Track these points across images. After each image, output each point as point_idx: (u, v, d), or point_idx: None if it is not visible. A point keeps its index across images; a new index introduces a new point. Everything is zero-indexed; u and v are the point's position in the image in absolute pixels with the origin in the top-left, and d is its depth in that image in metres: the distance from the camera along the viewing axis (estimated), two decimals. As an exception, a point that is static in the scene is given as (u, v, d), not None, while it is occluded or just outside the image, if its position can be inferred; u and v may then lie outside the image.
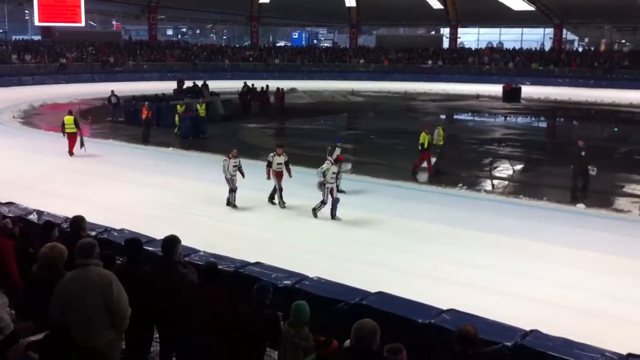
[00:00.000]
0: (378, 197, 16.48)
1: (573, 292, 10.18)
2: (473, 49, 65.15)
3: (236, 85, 39.62)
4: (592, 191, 16.67)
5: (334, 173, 14.23)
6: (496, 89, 45.90)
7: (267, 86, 38.91)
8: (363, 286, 7.63)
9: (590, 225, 14.03)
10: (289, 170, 15.29)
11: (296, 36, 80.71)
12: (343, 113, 39.78)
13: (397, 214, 14.66)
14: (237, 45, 68.61)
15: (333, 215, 14.10)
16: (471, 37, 68.60)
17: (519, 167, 22.53)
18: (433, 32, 74.55)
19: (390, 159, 22.66)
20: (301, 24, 76.65)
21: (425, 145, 19.57)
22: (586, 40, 69.68)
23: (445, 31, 68.12)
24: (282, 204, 15.07)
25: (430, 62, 60.03)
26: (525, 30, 66.00)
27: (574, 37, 69.57)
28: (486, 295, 9.79)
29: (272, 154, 15.24)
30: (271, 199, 15.29)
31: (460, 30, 65.77)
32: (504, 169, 21.78)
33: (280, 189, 15.11)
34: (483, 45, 66.83)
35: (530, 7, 58.12)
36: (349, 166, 21.38)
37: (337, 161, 14.69)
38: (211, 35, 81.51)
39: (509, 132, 31.94)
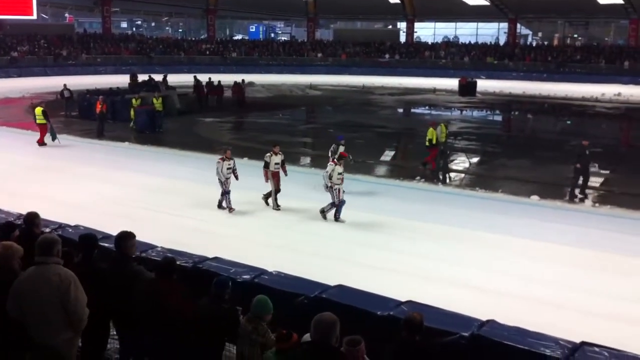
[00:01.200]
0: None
1: (528, 283, 10.38)
2: (429, 43, 65.74)
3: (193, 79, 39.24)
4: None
5: (339, 174, 13.56)
6: (452, 83, 46.42)
7: (243, 80, 38.77)
8: (324, 280, 7.65)
9: (544, 217, 14.29)
10: (284, 170, 14.63)
11: (253, 29, 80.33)
12: (301, 107, 39.80)
13: (355, 207, 14.66)
14: (194, 39, 67.90)
15: (337, 218, 13.62)
16: (427, 31, 69.21)
17: (475, 160, 22.83)
18: (390, 27, 75.00)
19: (349, 153, 22.69)
20: (258, 17, 76.28)
21: (434, 141, 19.55)
22: (540, 34, 71.01)
23: (402, 25, 68.60)
24: (277, 207, 14.43)
25: (387, 56, 60.39)
26: (481, 24, 66.91)
27: (528, 32, 70.80)
28: (444, 287, 9.92)
29: (268, 153, 14.43)
30: (267, 199, 14.65)
31: (416, 24, 66.33)
32: (461, 162, 22.04)
33: (277, 191, 14.45)
34: (439, 40, 67.48)
35: (485, 2, 58.93)
36: (307, 160, 21.40)
37: (341, 158, 14.07)
38: (167, 28, 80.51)
39: (465, 125, 32.33)
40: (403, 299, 7.07)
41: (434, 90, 47.42)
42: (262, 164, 14.61)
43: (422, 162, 19.95)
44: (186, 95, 35.12)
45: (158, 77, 36.73)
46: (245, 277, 7.54)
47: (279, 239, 12.62)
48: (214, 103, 36.40)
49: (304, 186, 16.15)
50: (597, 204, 15.91)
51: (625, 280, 10.59)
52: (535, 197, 16.11)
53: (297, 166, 19.69)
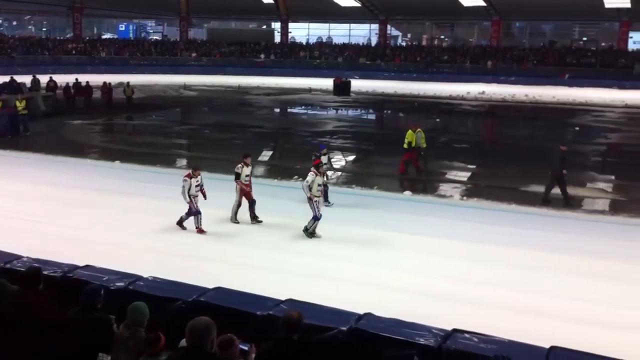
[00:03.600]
0: (213, 192, 16.20)
1: (402, 274, 10.71)
2: (304, 43, 66.43)
3: (59, 80, 37.41)
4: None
5: (319, 185, 12.87)
6: (327, 83, 47.18)
7: (128, 83, 37.52)
8: (201, 283, 7.53)
9: (416, 211, 14.80)
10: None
11: (123, 28, 77.66)
12: (176, 108, 39.02)
13: (228, 207, 14.46)
14: (59, 38, 64.73)
15: (307, 229, 12.78)
16: (302, 31, 69.86)
17: (350, 158, 23.31)
18: (265, 27, 75.11)
19: (227, 154, 22.51)
20: (128, 16, 73.95)
21: (413, 144, 19.09)
22: (409, 35, 73.56)
23: (277, 25, 68.92)
24: (256, 219, 13.50)
25: (262, 56, 60.43)
26: (353, 25, 68.39)
27: (398, 33, 73.16)
28: (323, 284, 10.01)
29: (239, 164, 13.53)
30: (254, 218, 13.55)
31: (291, 25, 66.84)
32: (337, 160, 22.41)
33: (253, 202, 13.49)
34: (313, 40, 68.33)
35: (356, 4, 60.27)
36: (183, 162, 21.02)
37: (318, 167, 13.17)
38: (29, 27, 76.31)
39: (341, 124, 32.96)
40: (284, 298, 7.11)
41: (309, 90, 48.01)
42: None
43: (400, 172, 19.50)
44: (51, 97, 33.40)
45: (22, 79, 34.72)
46: (119, 284, 7.30)
47: (154, 242, 12.23)
48: (82, 104, 34.96)
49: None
50: (465, 197, 16.68)
51: (490, 267, 11.15)
52: (407, 193, 16.69)
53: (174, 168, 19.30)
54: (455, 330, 6.39)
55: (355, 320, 6.52)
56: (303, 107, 41.73)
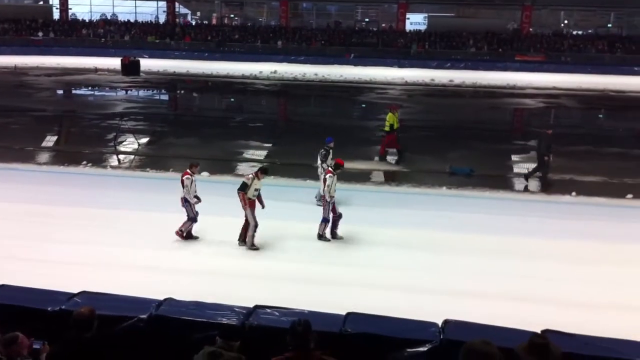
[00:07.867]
0: (7, 184, 14.94)
1: (195, 256, 10.79)
2: (86, 20, 62.84)
3: None
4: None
5: (329, 186, 11.79)
6: (114, 62, 45.11)
7: None
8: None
9: (218, 192, 14.51)
10: (260, 199, 11.69)
11: None
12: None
13: (23, 200, 13.37)
14: None
15: (334, 235, 11.96)
16: (83, 8, 66.01)
17: (143, 140, 22.57)
18: (41, 2, 69.88)
19: (5, 141, 20.75)
20: None
21: (395, 127, 18.84)
22: (198, 14, 72.65)
23: (55, 1, 64.41)
24: (253, 246, 11.48)
25: (40, 34, 56.27)
26: (139, 2, 65.97)
27: (187, 11, 71.93)
28: (118, 272, 9.75)
29: (250, 175, 11.66)
30: (243, 238, 11.58)
31: (70, 0, 62.82)
32: (129, 143, 21.60)
33: (256, 225, 11.46)
34: (96, 17, 64.87)
35: (141, -20, 58.21)
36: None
37: (338, 167, 12.08)
38: None
39: (131, 105, 31.80)
40: (77, 290, 6.76)
41: (95, 70, 45.61)
42: None
43: (380, 155, 19.50)
44: None
45: None
46: None
47: None
48: None
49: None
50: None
51: (296, 242, 11.59)
52: (205, 174, 16.55)
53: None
54: (257, 307, 6.50)
55: (156, 307, 6.38)
56: (89, 89, 39.57)
